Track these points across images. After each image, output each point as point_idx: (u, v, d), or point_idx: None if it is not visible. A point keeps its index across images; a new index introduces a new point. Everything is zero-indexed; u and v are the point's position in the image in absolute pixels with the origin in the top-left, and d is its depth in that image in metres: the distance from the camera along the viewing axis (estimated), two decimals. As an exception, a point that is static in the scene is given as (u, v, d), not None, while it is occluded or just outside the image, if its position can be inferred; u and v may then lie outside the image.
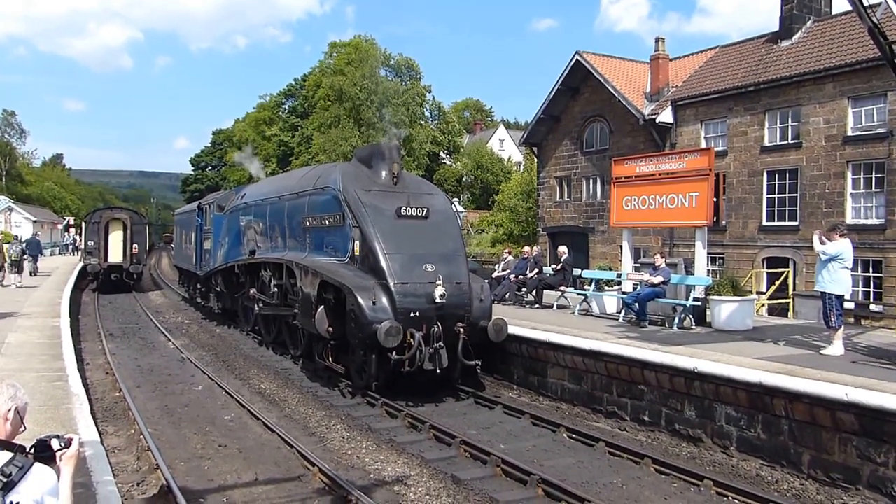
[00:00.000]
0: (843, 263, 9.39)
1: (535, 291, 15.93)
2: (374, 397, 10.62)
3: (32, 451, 2.47)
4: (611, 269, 19.08)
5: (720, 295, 12.20)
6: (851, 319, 15.58)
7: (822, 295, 9.61)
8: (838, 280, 9.41)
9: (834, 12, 23.49)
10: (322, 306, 10.97)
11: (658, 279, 12.39)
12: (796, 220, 20.81)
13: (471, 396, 11.04)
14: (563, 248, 16.75)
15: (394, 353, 9.93)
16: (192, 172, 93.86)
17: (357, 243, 11.14)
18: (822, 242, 9.59)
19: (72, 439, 2.60)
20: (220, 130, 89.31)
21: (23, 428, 2.60)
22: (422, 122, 57.35)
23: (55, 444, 2.52)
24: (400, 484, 7.20)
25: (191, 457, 8.09)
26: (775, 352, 9.66)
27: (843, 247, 9.42)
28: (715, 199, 12.29)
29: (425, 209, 11.52)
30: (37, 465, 2.40)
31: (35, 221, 54.47)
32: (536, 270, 16.20)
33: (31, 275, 25.28)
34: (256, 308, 15.33)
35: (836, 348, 9.41)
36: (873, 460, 6.95)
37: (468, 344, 10.55)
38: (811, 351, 9.85)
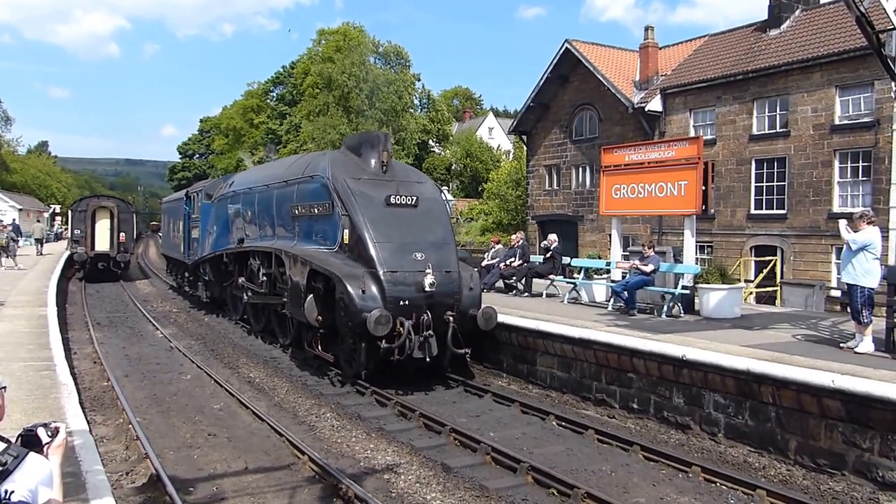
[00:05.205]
0: (874, 253, 8.73)
1: (524, 280, 15.95)
2: (364, 386, 10.62)
3: (19, 441, 2.43)
4: (600, 258, 19.17)
5: (708, 283, 12.27)
6: (838, 307, 15.72)
7: (851, 287, 8.87)
8: (870, 271, 8.72)
9: (822, 1, 23.53)
10: (311, 295, 10.93)
11: (649, 267, 12.44)
12: (784, 209, 20.93)
13: (460, 385, 11.07)
14: (552, 237, 16.75)
15: (383, 341, 9.93)
16: (180, 160, 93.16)
17: (346, 231, 11.10)
18: (849, 231, 8.93)
19: (58, 428, 2.57)
20: (208, 118, 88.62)
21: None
22: (411, 111, 57.08)
23: (42, 433, 2.49)
24: (390, 472, 7.22)
25: (180, 446, 8.07)
26: (763, 339, 9.72)
27: (872, 235, 8.77)
28: (703, 188, 12.34)
29: (414, 197, 11.48)
30: (31, 454, 2.37)
31: (21, 210, 53.87)
32: (521, 261, 16.11)
33: (38, 254, 30.06)
34: (245, 297, 15.27)
35: (867, 345, 8.75)
36: (859, 446, 7.03)
37: (458, 332, 10.56)
38: (799, 340, 9.93)
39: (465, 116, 76.85)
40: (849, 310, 9.46)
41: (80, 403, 7.52)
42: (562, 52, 27.87)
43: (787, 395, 7.63)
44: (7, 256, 23.98)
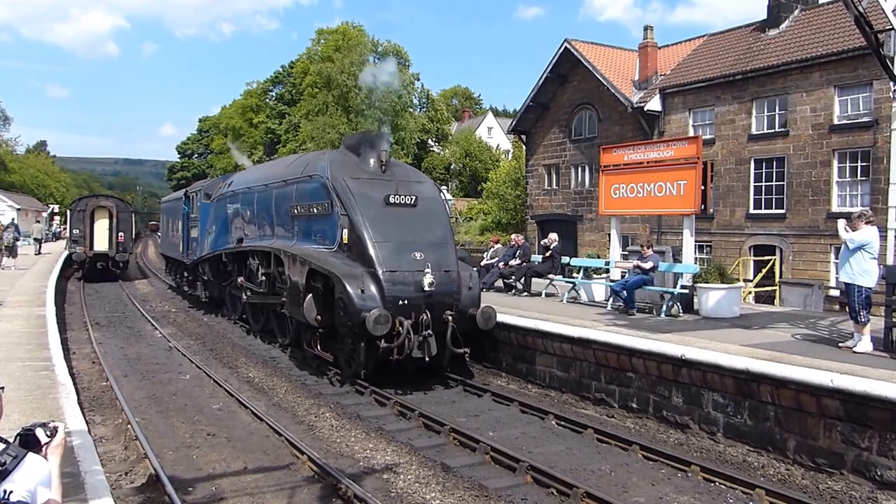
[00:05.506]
0: (871, 253, 8.70)
1: (523, 279, 15.95)
2: (363, 385, 10.62)
3: (17, 441, 2.43)
4: (599, 257, 19.16)
5: (707, 283, 12.27)
6: (837, 307, 15.72)
7: (849, 287, 8.86)
8: (867, 271, 8.69)
9: (821, 1, 23.55)
10: (310, 294, 10.93)
11: (649, 264, 12.46)
12: (783, 209, 20.95)
13: (460, 384, 11.07)
14: (553, 236, 16.75)
15: (382, 340, 9.93)
16: (178, 160, 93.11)
17: (345, 231, 11.10)
18: (847, 230, 8.91)
19: (57, 428, 2.56)
20: (207, 118, 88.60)
21: None
22: (410, 111, 57.08)
23: (40, 433, 2.48)
24: (389, 472, 7.21)
25: (179, 446, 8.07)
26: (762, 339, 9.72)
27: (870, 234, 8.73)
28: (702, 188, 12.33)
29: (413, 197, 11.48)
30: (30, 454, 2.37)
31: (19, 209, 53.82)
32: (520, 261, 16.11)
33: (36, 253, 30.69)
34: (244, 296, 15.26)
35: (865, 344, 8.70)
36: (857, 445, 7.03)
37: (457, 332, 10.56)
38: (798, 339, 9.93)
39: (464, 116, 76.81)
40: (847, 309, 9.46)
41: (79, 404, 7.51)
42: (561, 51, 27.87)
43: (786, 395, 7.64)
44: (9, 256, 24.01)
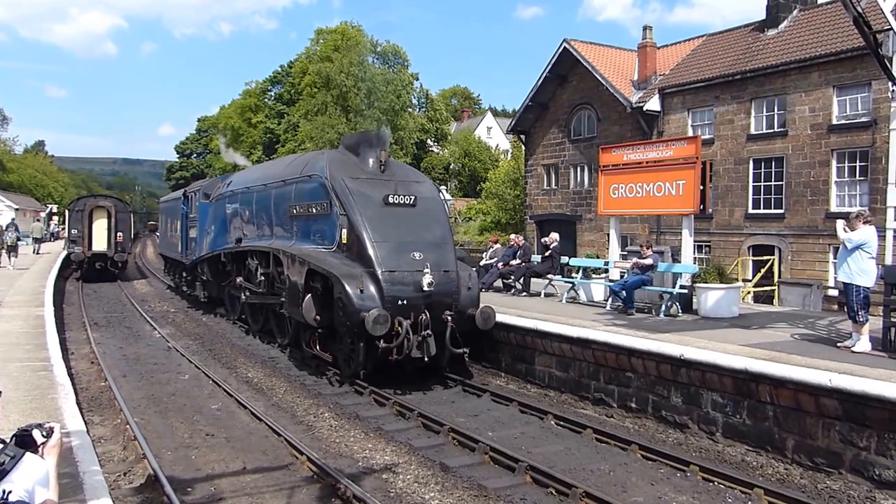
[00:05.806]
0: (870, 252, 8.71)
1: (522, 279, 15.95)
2: (362, 385, 10.61)
3: (13, 441, 2.43)
4: (598, 257, 19.16)
5: (706, 282, 12.28)
6: (835, 306, 15.73)
7: (847, 286, 8.89)
8: (865, 270, 8.71)
9: (820, 1, 23.58)
10: (309, 294, 10.93)
11: (649, 260, 12.48)
12: (782, 208, 20.97)
13: (459, 384, 11.06)
14: (554, 235, 16.74)
15: (382, 341, 9.92)
16: (177, 160, 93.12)
17: (344, 231, 11.09)
18: (846, 230, 8.91)
19: (53, 428, 2.56)
20: (206, 117, 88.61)
21: None
22: (409, 110, 57.08)
23: (37, 434, 2.48)
24: (388, 472, 7.21)
25: (178, 446, 8.06)
26: (760, 338, 9.72)
27: (868, 234, 8.75)
28: (701, 188, 12.35)
29: (413, 197, 11.48)
30: (28, 454, 2.37)
31: (17, 209, 53.77)
32: (521, 261, 16.11)
33: (34, 253, 31.14)
34: (243, 296, 15.25)
35: (864, 344, 8.71)
36: (856, 445, 7.04)
37: (456, 332, 10.56)
38: (797, 339, 9.94)
39: (463, 116, 76.81)
40: (846, 309, 9.48)
41: (78, 404, 7.50)
42: (560, 51, 27.87)
43: (785, 395, 7.64)
44: (11, 255, 24.09)
